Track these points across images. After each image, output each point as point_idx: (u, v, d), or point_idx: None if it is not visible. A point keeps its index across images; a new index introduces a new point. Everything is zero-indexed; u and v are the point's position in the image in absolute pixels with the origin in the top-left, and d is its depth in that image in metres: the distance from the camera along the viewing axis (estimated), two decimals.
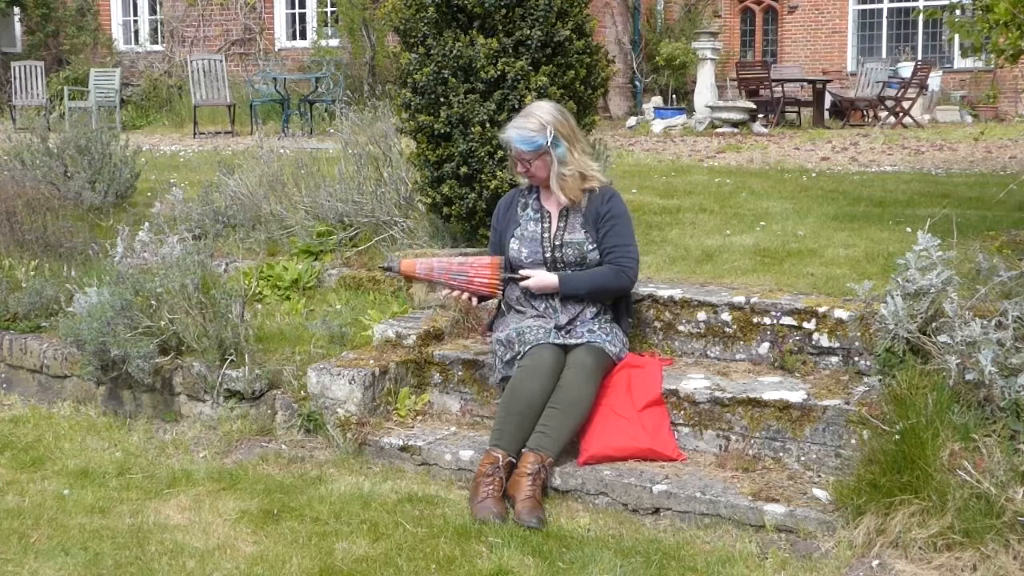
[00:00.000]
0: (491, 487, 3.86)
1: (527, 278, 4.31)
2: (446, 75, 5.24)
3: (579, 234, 4.33)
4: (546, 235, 4.36)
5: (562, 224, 4.36)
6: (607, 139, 7.89)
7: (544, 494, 3.92)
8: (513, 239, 4.41)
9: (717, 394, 4.09)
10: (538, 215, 4.42)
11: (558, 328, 4.23)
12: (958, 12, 6.12)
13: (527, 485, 3.84)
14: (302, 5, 19.55)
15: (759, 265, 5.13)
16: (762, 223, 6.13)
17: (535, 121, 4.28)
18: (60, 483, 4.26)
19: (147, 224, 6.17)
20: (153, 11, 20.82)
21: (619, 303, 4.43)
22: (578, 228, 4.34)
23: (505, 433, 4.01)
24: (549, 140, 4.24)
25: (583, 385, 4.06)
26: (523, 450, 3.96)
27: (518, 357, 4.17)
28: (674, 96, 18.42)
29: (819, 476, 3.83)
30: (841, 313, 4.26)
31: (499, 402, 4.20)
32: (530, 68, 5.20)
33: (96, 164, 7.41)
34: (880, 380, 3.83)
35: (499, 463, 3.92)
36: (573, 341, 4.19)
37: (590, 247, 4.32)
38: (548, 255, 4.33)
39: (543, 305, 4.32)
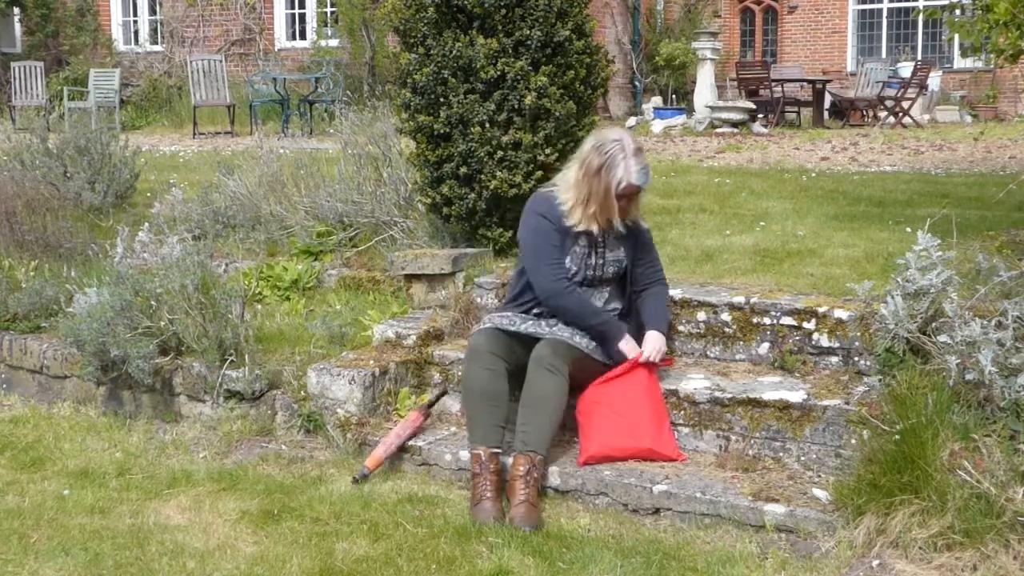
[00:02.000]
0: (483, 488, 3.88)
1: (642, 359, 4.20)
2: (446, 75, 5.24)
3: (619, 252, 4.32)
4: (593, 253, 4.28)
5: (601, 241, 4.29)
6: None
7: (542, 492, 3.92)
8: (568, 255, 4.25)
9: (717, 394, 4.09)
10: (579, 234, 4.29)
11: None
12: (958, 12, 6.12)
13: (520, 488, 3.85)
14: (302, 5, 19.54)
15: (759, 265, 5.13)
16: (762, 223, 6.13)
17: (643, 154, 4.19)
18: (60, 483, 4.27)
19: (147, 224, 6.18)
20: (153, 11, 20.81)
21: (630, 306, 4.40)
22: (619, 246, 4.31)
23: (475, 427, 4.04)
24: None
25: (544, 378, 4.02)
26: (512, 453, 3.97)
27: None
28: (674, 96, 18.42)
29: (819, 476, 3.83)
30: (841, 313, 4.26)
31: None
32: (530, 68, 5.20)
33: (96, 164, 7.41)
34: (880, 380, 3.83)
35: (482, 459, 3.94)
36: (534, 330, 4.18)
37: (627, 262, 4.34)
38: (590, 273, 4.30)
39: (534, 311, 4.31)
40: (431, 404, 4.44)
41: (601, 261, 4.30)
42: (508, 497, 3.87)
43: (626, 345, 4.21)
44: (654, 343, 4.21)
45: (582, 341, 4.17)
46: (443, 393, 4.53)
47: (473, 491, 3.91)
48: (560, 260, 4.24)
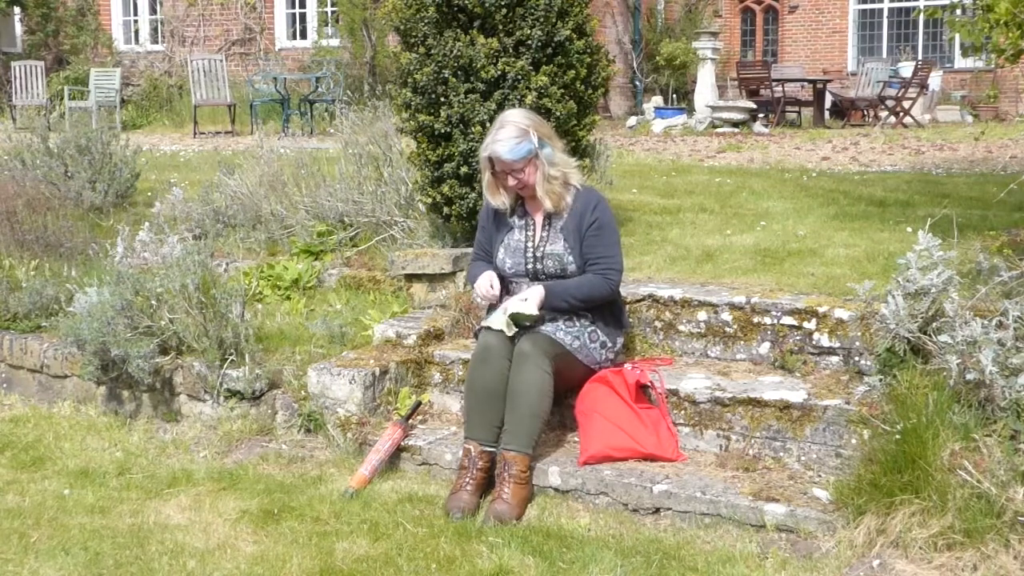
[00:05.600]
0: (464, 480, 3.93)
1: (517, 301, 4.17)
2: (446, 75, 5.24)
3: (559, 245, 4.26)
4: (529, 244, 4.30)
5: (545, 234, 4.30)
6: (607, 139, 7.88)
7: (527, 488, 3.90)
8: (501, 247, 4.34)
9: (717, 394, 4.09)
10: (523, 222, 4.35)
11: None
12: (958, 12, 6.12)
13: (498, 484, 3.90)
14: (302, 5, 19.55)
15: (759, 265, 5.13)
16: (762, 223, 6.13)
17: (515, 128, 4.16)
18: (60, 483, 4.27)
19: (147, 224, 6.18)
20: (153, 11, 20.82)
21: (604, 308, 4.32)
22: (559, 239, 4.27)
23: (473, 424, 4.04)
24: (536, 143, 4.17)
25: (524, 373, 3.99)
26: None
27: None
28: (674, 96, 18.42)
29: (819, 476, 3.83)
30: (841, 313, 4.26)
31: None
32: (530, 68, 5.20)
33: (96, 164, 7.42)
34: (881, 380, 3.83)
35: (472, 454, 3.96)
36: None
37: (570, 259, 4.24)
38: (530, 267, 4.28)
39: None
40: (409, 416, 4.41)
41: (540, 254, 4.28)
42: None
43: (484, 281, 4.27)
44: (532, 291, 4.16)
45: (565, 338, 4.15)
46: (418, 404, 4.50)
47: (455, 482, 3.96)
48: (481, 242, 4.43)
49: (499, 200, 4.31)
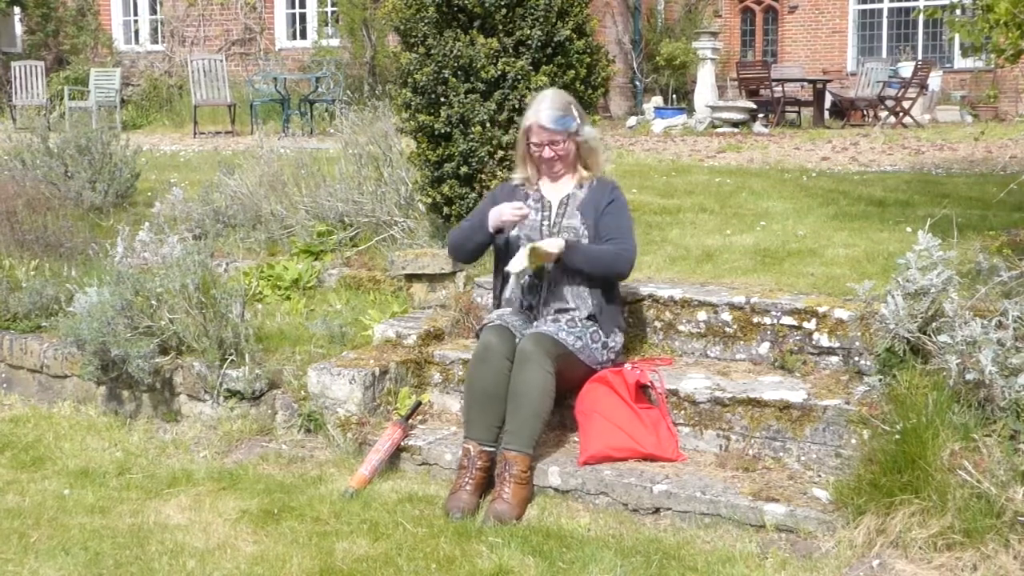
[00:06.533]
0: (464, 480, 3.93)
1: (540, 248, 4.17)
2: (446, 75, 5.24)
3: (576, 220, 4.32)
4: (545, 223, 4.35)
5: (561, 211, 4.36)
6: (607, 139, 7.89)
7: (527, 488, 3.91)
8: (516, 224, 4.36)
9: (717, 394, 4.09)
10: (539, 204, 4.40)
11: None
12: (958, 12, 6.12)
13: (498, 484, 3.90)
14: (302, 5, 19.55)
15: (759, 265, 5.13)
16: (762, 223, 6.13)
17: (561, 102, 4.30)
18: (60, 483, 4.27)
19: (147, 224, 6.18)
20: (153, 11, 20.82)
21: (605, 308, 4.34)
22: (576, 215, 4.33)
23: (472, 423, 4.04)
24: (578, 120, 4.31)
25: (526, 373, 3.98)
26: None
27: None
28: (674, 96, 18.42)
29: (819, 476, 3.83)
30: (841, 313, 4.26)
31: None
32: (530, 68, 5.21)
33: (96, 164, 7.42)
34: (880, 380, 3.83)
35: (471, 454, 3.96)
36: (521, 331, 4.16)
37: (584, 233, 4.29)
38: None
39: (526, 303, 4.33)
40: (408, 416, 4.41)
41: (556, 229, 4.31)
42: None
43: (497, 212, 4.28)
44: (554, 240, 4.20)
45: (567, 338, 4.14)
46: (418, 404, 4.50)
47: (455, 482, 3.96)
48: (483, 211, 4.38)
49: (522, 173, 4.42)
